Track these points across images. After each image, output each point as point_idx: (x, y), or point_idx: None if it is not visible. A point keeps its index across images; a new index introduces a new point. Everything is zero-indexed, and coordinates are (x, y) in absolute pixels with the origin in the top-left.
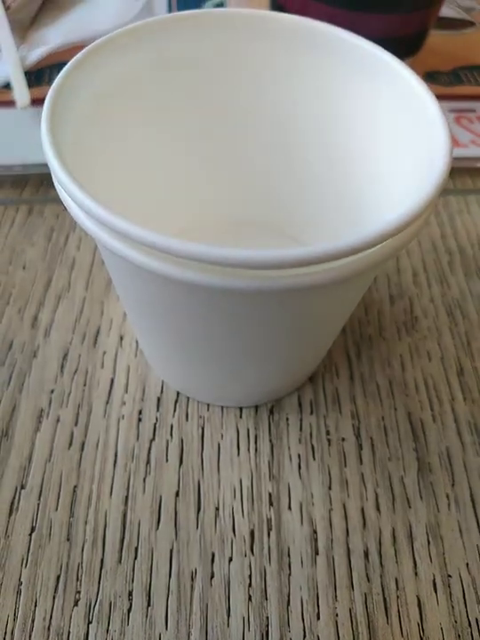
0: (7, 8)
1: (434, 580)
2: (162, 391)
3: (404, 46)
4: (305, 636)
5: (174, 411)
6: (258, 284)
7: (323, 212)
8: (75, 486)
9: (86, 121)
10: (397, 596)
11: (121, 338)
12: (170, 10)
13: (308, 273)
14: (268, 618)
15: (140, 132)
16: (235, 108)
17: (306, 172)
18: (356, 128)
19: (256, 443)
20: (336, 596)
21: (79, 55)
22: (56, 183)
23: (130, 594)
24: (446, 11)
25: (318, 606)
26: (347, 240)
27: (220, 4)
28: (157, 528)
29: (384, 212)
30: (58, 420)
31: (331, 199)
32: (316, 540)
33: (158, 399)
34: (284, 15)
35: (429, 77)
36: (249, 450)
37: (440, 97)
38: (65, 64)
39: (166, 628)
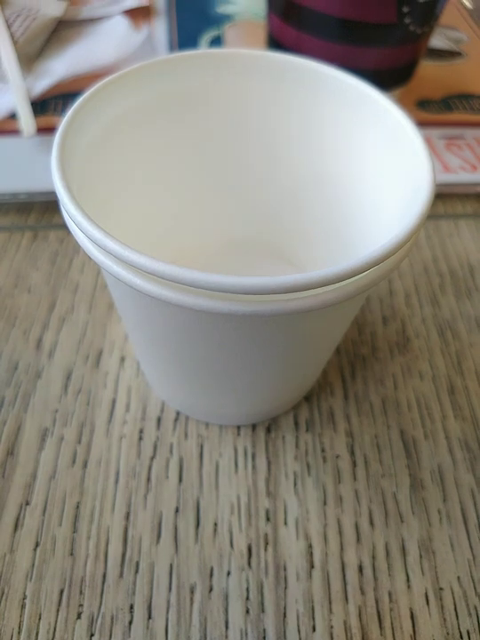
0: (15, 42)
1: (426, 593)
2: (162, 410)
3: (395, 77)
4: None
5: (174, 429)
6: (251, 308)
7: (316, 236)
8: (78, 503)
9: (93, 152)
10: (391, 609)
11: (122, 359)
12: (170, 43)
13: (297, 298)
14: (264, 630)
15: (144, 161)
16: (232, 139)
17: (300, 198)
18: (347, 158)
19: (253, 460)
20: (331, 609)
21: (88, 92)
22: (64, 214)
23: (131, 607)
24: (436, 42)
25: (314, 619)
26: (334, 268)
27: (218, 38)
28: (158, 543)
29: (374, 237)
30: (62, 439)
31: (324, 224)
32: (311, 554)
33: (158, 418)
34: (275, 54)
35: (421, 105)
36: (246, 467)
37: (431, 124)
38: (69, 94)
39: None
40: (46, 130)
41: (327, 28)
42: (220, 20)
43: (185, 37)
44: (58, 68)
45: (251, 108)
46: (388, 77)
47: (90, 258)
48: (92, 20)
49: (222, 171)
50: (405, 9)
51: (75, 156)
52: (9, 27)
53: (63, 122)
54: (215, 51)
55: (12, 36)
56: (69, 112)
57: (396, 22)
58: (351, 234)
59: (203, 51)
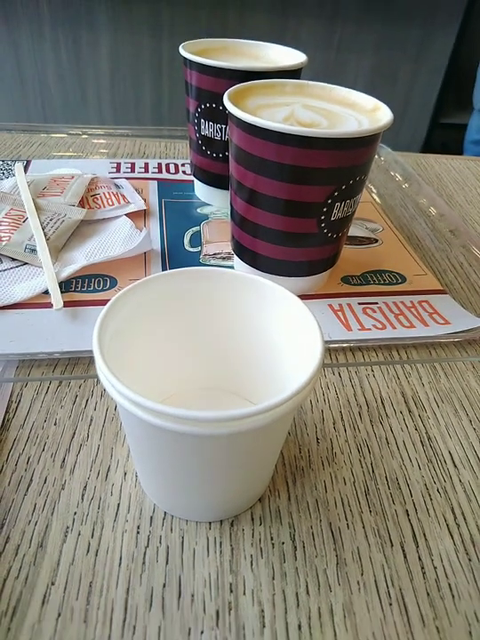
0: (47, 239)
1: None
2: (153, 511)
3: (323, 264)
4: None
5: (162, 525)
6: (210, 431)
7: (262, 383)
8: (90, 582)
9: (116, 334)
10: None
11: (125, 474)
12: (162, 236)
13: (234, 424)
14: None
15: (149, 336)
16: (206, 321)
17: (249, 357)
18: (277, 335)
19: (221, 547)
20: None
21: (114, 298)
22: (101, 375)
23: None
24: (357, 231)
25: None
26: (254, 407)
27: (197, 233)
28: (150, 611)
29: (296, 381)
30: (79, 534)
31: (266, 375)
32: (263, 616)
33: (151, 517)
34: (230, 271)
35: (345, 280)
36: (216, 552)
37: (352, 294)
38: (88, 276)
39: None
40: (71, 303)
41: (270, 236)
42: (199, 218)
43: (172, 233)
44: (79, 257)
45: (218, 303)
46: (317, 265)
47: (111, 400)
48: (104, 220)
49: (198, 340)
50: (323, 224)
51: (104, 339)
52: (43, 228)
53: (98, 320)
54: (195, 269)
55: (45, 234)
56: (103, 312)
57: (317, 232)
58: (282, 378)
59: (187, 269)
